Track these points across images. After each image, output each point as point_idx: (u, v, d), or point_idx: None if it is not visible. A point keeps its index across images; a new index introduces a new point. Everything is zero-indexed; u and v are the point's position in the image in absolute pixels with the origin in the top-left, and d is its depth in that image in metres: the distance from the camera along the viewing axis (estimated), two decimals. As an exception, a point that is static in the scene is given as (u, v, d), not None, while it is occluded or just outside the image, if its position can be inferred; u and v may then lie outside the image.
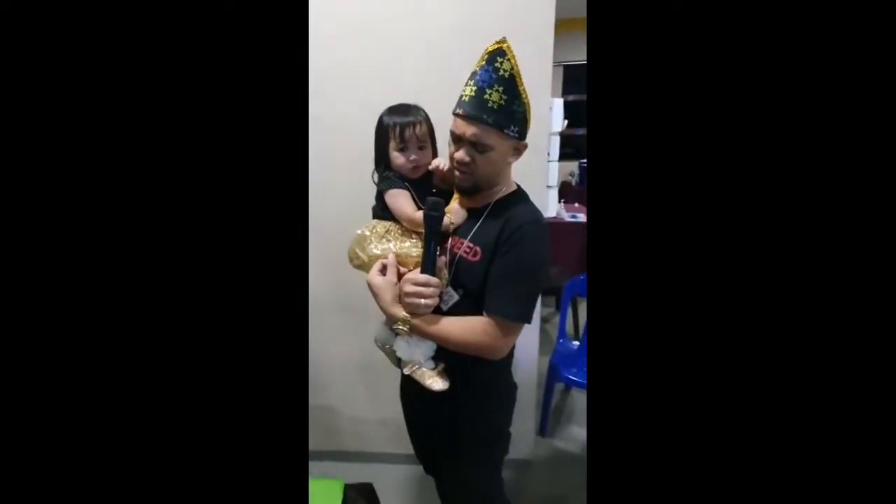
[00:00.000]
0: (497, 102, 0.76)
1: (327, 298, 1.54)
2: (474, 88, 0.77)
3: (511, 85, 0.76)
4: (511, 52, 0.76)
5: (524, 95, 0.78)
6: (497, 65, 0.75)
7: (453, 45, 1.30)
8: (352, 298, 1.43)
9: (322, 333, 1.59)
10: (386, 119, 0.88)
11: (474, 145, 0.78)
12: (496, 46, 0.76)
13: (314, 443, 1.71)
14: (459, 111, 0.79)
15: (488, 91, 0.76)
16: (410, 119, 0.86)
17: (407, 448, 1.06)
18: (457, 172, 0.82)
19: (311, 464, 1.68)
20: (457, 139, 0.80)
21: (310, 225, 1.44)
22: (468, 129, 0.77)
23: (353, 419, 1.69)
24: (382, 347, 0.92)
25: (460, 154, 0.79)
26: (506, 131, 0.77)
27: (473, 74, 0.79)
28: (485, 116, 0.76)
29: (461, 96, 0.80)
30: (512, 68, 0.76)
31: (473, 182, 0.81)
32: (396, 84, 1.32)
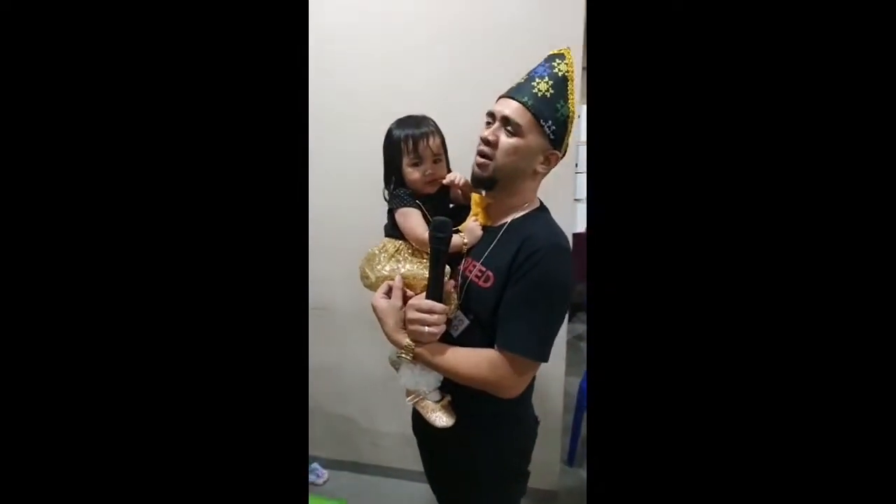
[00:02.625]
0: (542, 92, 0.73)
1: (352, 310, 1.52)
2: (525, 77, 0.76)
3: (561, 84, 0.74)
4: (570, 59, 0.76)
5: (571, 102, 0.75)
6: (554, 63, 0.75)
7: (476, 54, 1.25)
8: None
9: (346, 344, 1.57)
10: (397, 132, 0.83)
11: (505, 123, 0.73)
12: (558, 51, 0.77)
13: (333, 452, 1.71)
14: (505, 93, 0.76)
15: (537, 80, 0.74)
16: (423, 130, 0.81)
17: (421, 465, 1.01)
18: (477, 158, 0.76)
19: (329, 472, 1.68)
20: (490, 118, 0.76)
21: (335, 237, 1.47)
22: (505, 107, 0.74)
23: (373, 432, 1.66)
24: (396, 368, 0.87)
25: (487, 133, 0.75)
26: (542, 123, 0.72)
27: (530, 71, 0.77)
28: (525, 98, 0.73)
29: (511, 86, 0.77)
30: (567, 71, 0.75)
31: (493, 171, 0.75)
32: (416, 98, 1.27)
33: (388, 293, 0.78)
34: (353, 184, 1.40)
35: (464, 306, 0.78)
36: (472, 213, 0.83)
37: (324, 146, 1.39)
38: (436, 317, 0.72)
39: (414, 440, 0.98)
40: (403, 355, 0.75)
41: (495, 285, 0.74)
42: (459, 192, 0.87)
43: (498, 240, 0.77)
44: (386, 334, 0.77)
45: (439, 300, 0.73)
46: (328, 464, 1.70)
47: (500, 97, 0.76)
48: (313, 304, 1.53)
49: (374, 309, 0.78)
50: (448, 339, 0.77)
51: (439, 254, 0.72)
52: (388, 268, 0.82)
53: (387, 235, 0.87)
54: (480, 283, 0.76)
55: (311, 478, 1.66)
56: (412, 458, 1.61)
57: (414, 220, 0.81)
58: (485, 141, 0.75)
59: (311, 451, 1.70)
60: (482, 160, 0.75)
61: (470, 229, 0.81)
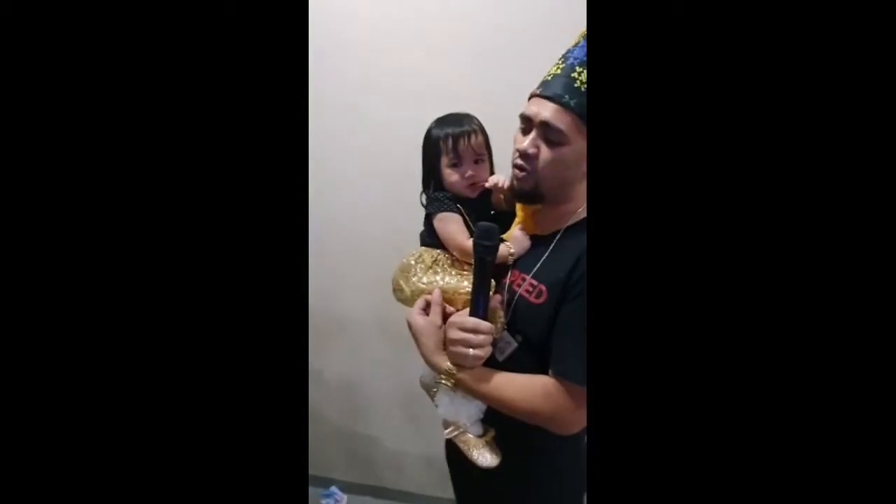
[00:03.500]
0: (586, 83, 0.60)
1: (373, 322, 1.44)
2: (562, 66, 0.63)
3: None
4: None
5: None
6: None
7: (508, 50, 1.16)
8: (397, 325, 1.33)
9: (366, 359, 1.49)
10: (435, 131, 0.75)
11: (545, 131, 0.62)
12: None
13: (352, 475, 1.62)
14: (538, 91, 0.64)
15: (578, 69, 0.61)
16: (464, 129, 0.73)
17: (449, 492, 0.91)
18: (515, 171, 0.66)
19: (348, 496, 1.59)
20: (526, 124, 0.65)
21: (352, 247, 1.39)
22: (542, 110, 0.62)
23: (395, 453, 1.57)
24: (429, 392, 0.77)
25: (524, 143, 0.64)
26: None
27: (566, 54, 0.64)
28: (567, 97, 0.60)
29: (544, 78, 0.65)
30: None
31: (534, 185, 0.65)
32: (446, 95, 1.20)
33: (426, 309, 0.69)
34: (377, 186, 1.33)
35: (511, 326, 0.68)
36: (516, 220, 0.74)
37: (341, 143, 1.32)
38: (482, 337, 0.62)
39: (439, 463, 0.88)
40: (443, 381, 0.65)
41: (548, 302, 0.65)
42: (502, 196, 0.78)
43: (551, 250, 0.67)
44: (423, 356, 0.68)
45: (485, 318, 0.64)
46: (347, 487, 1.61)
47: (533, 95, 0.64)
48: (332, 317, 1.46)
49: (410, 327, 0.69)
50: (493, 363, 0.68)
51: (485, 265, 0.63)
52: (425, 280, 0.73)
53: (423, 244, 0.79)
54: (531, 298, 0.66)
55: (329, 502, 1.56)
56: (437, 484, 1.51)
57: (454, 227, 0.73)
58: (522, 154, 0.64)
59: (329, 474, 1.62)
60: (521, 174, 0.65)
61: (516, 238, 0.72)
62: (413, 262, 0.76)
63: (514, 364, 0.67)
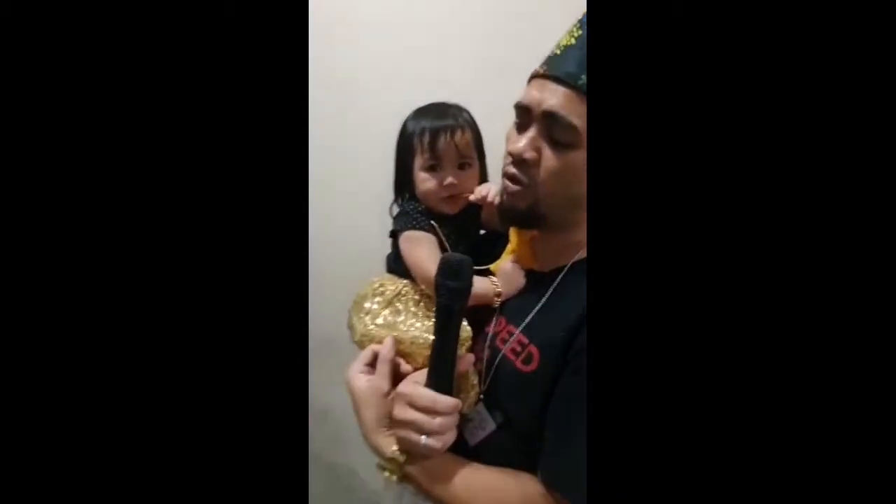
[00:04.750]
0: (587, 76, 0.43)
1: (354, 346, 1.29)
2: (577, 35, 0.45)
3: None
4: None
5: None
6: None
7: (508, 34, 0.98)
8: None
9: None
10: (412, 124, 0.58)
11: (550, 126, 0.44)
12: None
13: (331, 507, 1.47)
14: (541, 70, 0.46)
15: None
16: (446, 123, 0.56)
17: None
18: (506, 182, 0.48)
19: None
20: (523, 117, 0.47)
21: (336, 264, 1.24)
22: (547, 96, 0.44)
23: (374, 489, 1.41)
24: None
25: (519, 146, 0.45)
26: None
27: (582, 19, 0.46)
28: (583, 78, 0.42)
29: (552, 51, 0.47)
30: None
31: (531, 203, 0.47)
32: (454, 84, 1.02)
33: (373, 364, 0.51)
34: (368, 198, 1.18)
35: (491, 397, 0.50)
36: (508, 248, 0.55)
37: (334, 149, 1.18)
38: (439, 421, 0.43)
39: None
40: (387, 472, 0.47)
41: (541, 370, 0.46)
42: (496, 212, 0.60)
43: (549, 296, 0.48)
44: (363, 433, 0.50)
45: (448, 389, 0.45)
46: (324, 519, 1.47)
47: (536, 75, 0.47)
48: (314, 339, 1.33)
49: (349, 388, 0.52)
50: (461, 447, 0.49)
51: (450, 314, 0.45)
52: (380, 320, 0.56)
53: (388, 270, 0.62)
54: (518, 362, 0.48)
55: (303, 536, 1.42)
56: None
57: (424, 251, 0.56)
58: (517, 158, 0.46)
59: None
60: (514, 187, 0.47)
61: (505, 273, 0.53)
62: (369, 293, 0.58)
63: (491, 450, 0.49)
